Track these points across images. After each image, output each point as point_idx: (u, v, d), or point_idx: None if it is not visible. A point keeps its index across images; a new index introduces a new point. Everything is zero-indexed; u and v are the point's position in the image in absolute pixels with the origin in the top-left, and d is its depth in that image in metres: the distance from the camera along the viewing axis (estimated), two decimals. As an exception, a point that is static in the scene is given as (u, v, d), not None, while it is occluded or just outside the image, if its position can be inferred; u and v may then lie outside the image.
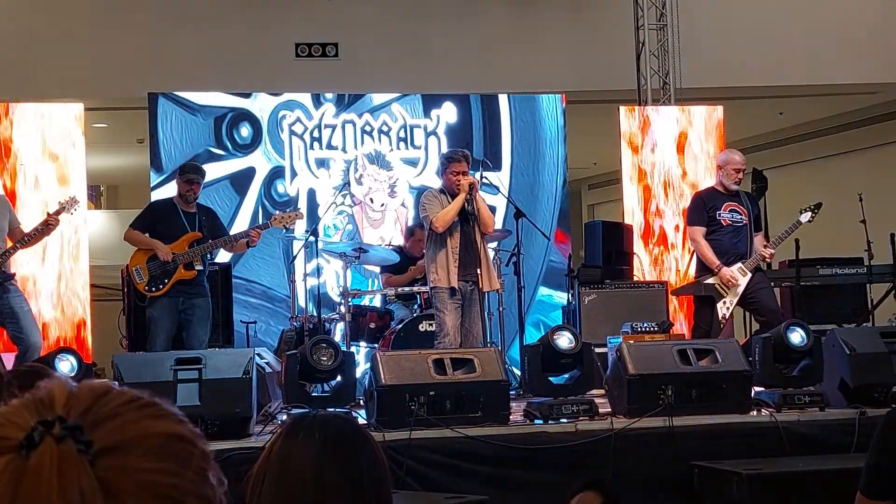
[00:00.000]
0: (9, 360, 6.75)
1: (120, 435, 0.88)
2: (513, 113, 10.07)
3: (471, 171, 7.21)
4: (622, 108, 9.78)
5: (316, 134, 9.69)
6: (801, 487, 4.92)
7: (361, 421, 5.51)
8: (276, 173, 9.59)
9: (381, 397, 5.43)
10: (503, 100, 10.09)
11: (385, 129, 9.81)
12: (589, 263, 8.79)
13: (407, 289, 8.22)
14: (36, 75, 9.80)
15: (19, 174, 8.64)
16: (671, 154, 9.70)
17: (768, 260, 7.71)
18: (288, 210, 8.45)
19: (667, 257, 9.55)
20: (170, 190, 8.10)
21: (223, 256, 8.68)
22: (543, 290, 9.89)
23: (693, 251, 7.93)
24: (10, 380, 2.87)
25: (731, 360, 5.83)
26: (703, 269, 7.55)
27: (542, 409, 5.63)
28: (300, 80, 10.12)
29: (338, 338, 7.67)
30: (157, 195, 8.86)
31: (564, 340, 5.83)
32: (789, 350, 5.93)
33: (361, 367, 7.51)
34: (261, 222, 8.46)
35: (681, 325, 9.00)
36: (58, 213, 6.99)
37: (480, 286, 6.86)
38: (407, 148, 9.84)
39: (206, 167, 8.96)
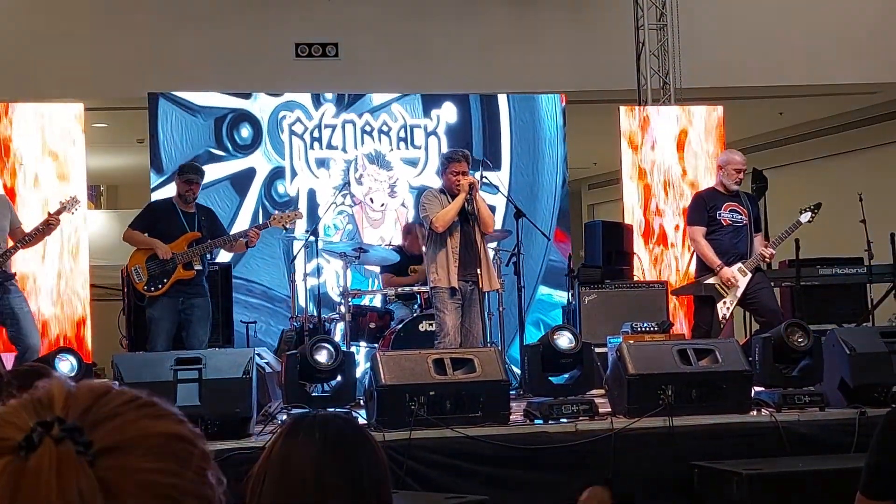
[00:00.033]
0: (9, 360, 6.75)
1: (119, 435, 0.87)
2: (512, 113, 10.08)
3: (471, 171, 7.21)
4: (622, 108, 9.78)
5: (316, 134, 9.70)
6: (801, 487, 4.92)
7: (361, 421, 5.51)
8: (277, 174, 9.59)
9: (381, 397, 5.43)
10: (502, 100, 10.10)
11: (385, 128, 9.81)
12: (589, 263, 8.80)
13: (407, 289, 8.22)
14: (36, 75, 9.80)
15: (19, 174, 8.64)
16: (671, 153, 9.70)
17: (768, 260, 7.71)
18: (287, 210, 8.45)
19: (667, 256, 9.55)
20: (170, 191, 8.10)
21: (223, 257, 8.68)
22: (543, 290, 9.89)
23: (693, 251, 7.93)
24: (9, 380, 2.88)
25: (731, 360, 5.83)
26: (704, 269, 7.55)
27: (542, 409, 5.63)
28: (300, 80, 10.13)
29: (338, 338, 7.67)
30: (157, 196, 8.86)
31: (564, 340, 5.83)
32: (789, 350, 5.93)
33: (361, 367, 7.50)
34: (261, 223, 8.46)
35: (680, 324, 9.00)
36: (58, 212, 6.99)
37: (480, 286, 6.86)
38: (407, 148, 9.85)
39: (206, 168, 8.97)
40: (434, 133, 9.89)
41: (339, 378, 5.80)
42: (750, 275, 7.40)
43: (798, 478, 4.98)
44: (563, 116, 10.14)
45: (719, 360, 5.81)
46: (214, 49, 10.18)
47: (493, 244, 8.06)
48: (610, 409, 5.78)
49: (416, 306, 8.19)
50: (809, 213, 7.64)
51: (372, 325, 8.12)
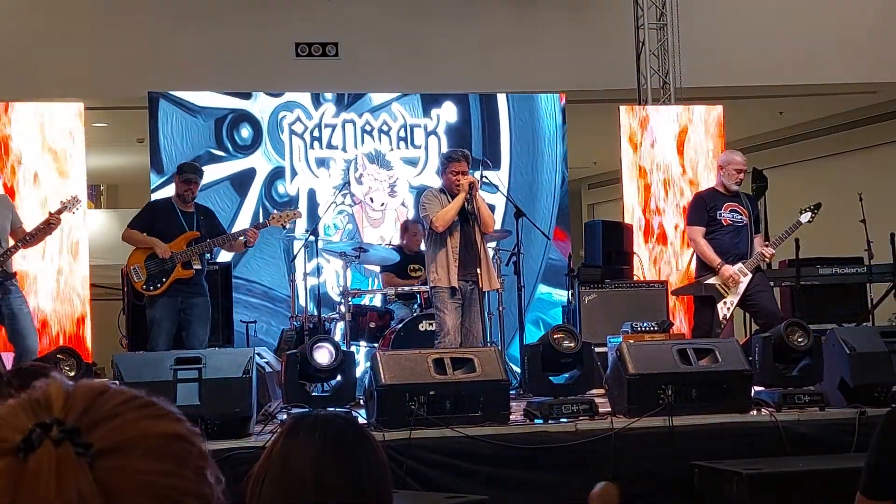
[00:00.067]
0: (8, 360, 6.75)
1: (118, 436, 0.87)
2: (511, 112, 10.09)
3: (470, 171, 7.21)
4: (622, 108, 9.78)
5: (316, 133, 9.70)
6: (801, 487, 4.92)
7: (361, 420, 5.51)
8: (277, 174, 9.60)
9: (380, 397, 5.43)
10: (502, 99, 10.10)
11: (385, 128, 9.82)
12: (589, 263, 8.80)
13: (407, 288, 8.23)
14: (36, 75, 9.80)
15: (19, 173, 8.64)
16: (671, 152, 9.71)
17: (768, 259, 7.71)
18: (286, 209, 8.45)
19: (666, 255, 9.55)
20: (171, 192, 8.11)
21: (223, 257, 8.68)
22: (543, 288, 9.90)
23: (693, 251, 7.93)
24: (9, 379, 2.88)
25: (731, 359, 5.83)
26: (704, 269, 7.54)
27: (542, 408, 5.63)
28: (300, 79, 10.13)
29: (338, 337, 7.68)
30: (157, 197, 8.86)
31: (564, 340, 5.83)
32: (789, 350, 5.92)
33: (361, 367, 7.50)
34: (260, 222, 8.46)
35: (680, 322, 9.00)
36: (59, 212, 6.99)
37: (480, 286, 6.86)
38: (407, 147, 9.85)
39: (206, 168, 8.98)
40: (434, 133, 9.89)
41: (339, 378, 5.80)
42: (750, 275, 7.40)
43: (798, 478, 4.98)
44: (562, 115, 10.15)
45: (719, 360, 5.81)
46: (214, 49, 10.19)
47: (493, 244, 8.07)
48: (610, 409, 5.78)
49: (416, 306, 8.19)
50: (809, 214, 7.64)
51: (372, 325, 8.12)
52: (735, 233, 7.50)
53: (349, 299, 7.75)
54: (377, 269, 8.97)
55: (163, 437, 0.89)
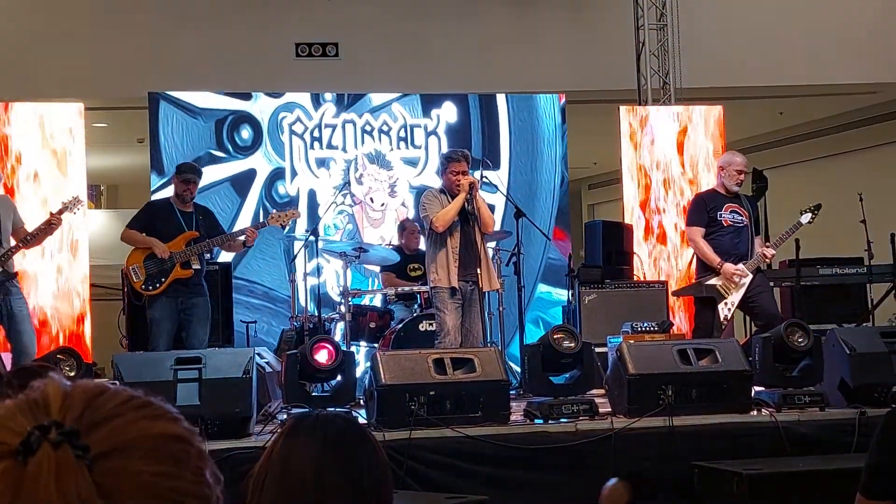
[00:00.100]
0: (7, 360, 6.75)
1: (117, 437, 0.87)
2: (511, 112, 10.09)
3: (470, 171, 7.21)
4: (622, 108, 9.79)
5: (316, 133, 9.71)
6: (801, 487, 4.91)
7: (361, 420, 5.51)
8: (277, 174, 9.61)
9: (381, 397, 5.43)
10: (501, 99, 10.11)
11: (385, 128, 9.82)
12: (589, 263, 8.80)
13: (407, 288, 8.23)
14: (36, 75, 9.80)
15: (18, 173, 8.64)
16: (671, 152, 9.71)
17: (769, 260, 7.71)
18: (285, 209, 8.45)
19: (666, 254, 9.55)
20: (170, 192, 8.11)
21: (224, 257, 8.69)
22: (542, 287, 9.91)
23: (693, 252, 7.92)
24: (9, 379, 2.87)
25: (731, 359, 5.83)
26: (705, 269, 7.54)
27: (543, 408, 5.63)
28: (300, 80, 10.13)
29: (338, 337, 7.68)
30: (158, 198, 8.86)
31: (564, 340, 5.83)
32: (789, 350, 5.92)
33: (361, 367, 7.51)
34: (258, 222, 8.46)
35: (680, 321, 9.01)
36: (60, 212, 6.99)
37: (480, 286, 6.86)
38: (407, 147, 9.86)
39: (207, 169, 9.00)
40: (434, 133, 9.90)
41: (339, 378, 5.80)
42: (751, 276, 7.40)
43: (798, 478, 4.98)
44: (561, 115, 10.16)
45: (719, 360, 5.81)
46: (214, 49, 10.19)
47: (493, 244, 8.07)
48: (610, 409, 5.78)
49: (416, 306, 8.19)
50: (810, 214, 7.64)
51: (372, 325, 8.12)
52: (735, 234, 7.50)
53: (349, 299, 7.75)
54: (377, 269, 8.97)
55: (161, 437, 0.89)
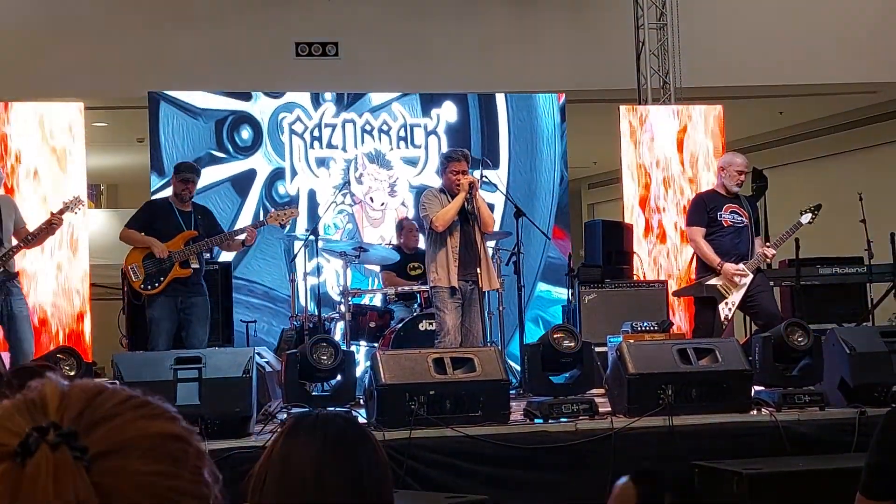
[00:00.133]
0: (7, 360, 6.75)
1: (115, 437, 0.87)
2: (510, 111, 10.10)
3: (470, 170, 7.21)
4: (622, 108, 9.79)
5: (316, 133, 9.71)
6: (801, 487, 4.91)
7: (361, 420, 5.50)
8: (277, 175, 9.62)
9: (380, 396, 5.43)
10: (500, 99, 10.12)
11: (385, 128, 9.82)
12: (589, 263, 8.81)
13: (407, 288, 8.23)
14: (36, 74, 9.80)
15: (18, 173, 8.64)
16: (671, 152, 9.71)
17: (769, 260, 7.72)
18: (284, 208, 8.46)
19: (666, 251, 9.55)
20: (170, 192, 8.11)
21: (224, 257, 8.69)
22: (542, 286, 9.91)
23: (694, 252, 7.93)
24: (9, 379, 2.87)
25: (731, 359, 5.83)
26: (705, 270, 7.54)
27: (542, 408, 5.63)
28: (300, 79, 10.13)
29: (338, 337, 7.68)
30: (157, 197, 8.86)
31: (564, 340, 5.83)
32: (789, 349, 5.92)
33: (361, 366, 7.51)
34: (257, 221, 8.46)
35: (680, 320, 9.01)
36: (61, 212, 6.99)
37: (480, 286, 6.86)
38: (407, 147, 9.86)
39: (207, 170, 9.01)
40: (434, 132, 9.90)
41: (339, 377, 5.80)
42: (751, 275, 7.41)
43: (798, 478, 4.98)
44: (560, 114, 10.16)
45: (719, 360, 5.81)
46: (214, 49, 10.19)
47: (492, 243, 8.07)
48: (610, 409, 5.78)
49: (416, 306, 8.19)
50: (810, 215, 7.65)
51: (372, 325, 8.12)
52: (735, 234, 7.50)
53: (349, 299, 7.75)
54: (377, 268, 8.97)
55: (159, 437, 0.89)
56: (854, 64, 10.95)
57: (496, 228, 8.19)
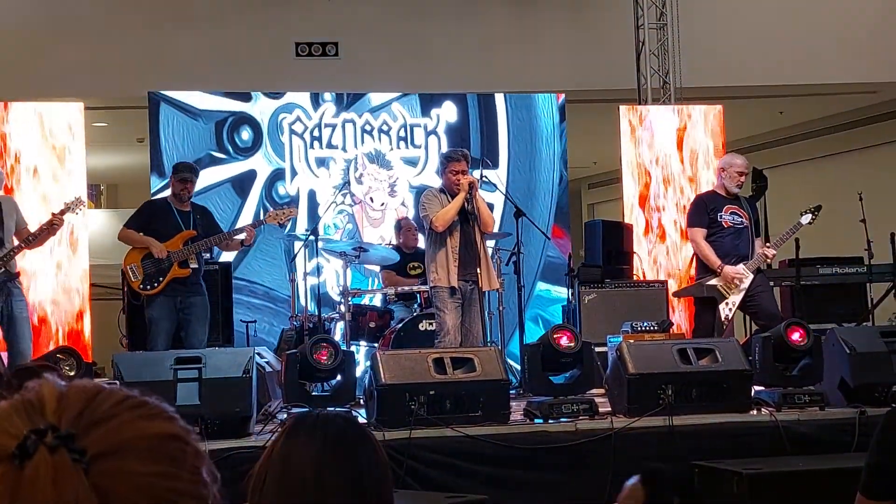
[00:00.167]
0: (6, 361, 6.74)
1: (113, 438, 0.87)
2: (509, 111, 10.10)
3: (470, 170, 7.21)
4: (622, 108, 9.79)
5: (316, 133, 9.72)
6: (801, 487, 4.91)
7: (361, 420, 5.50)
8: (277, 175, 9.62)
9: (380, 396, 5.43)
10: (499, 98, 10.12)
11: (385, 128, 9.82)
12: (589, 262, 8.80)
13: (407, 288, 8.23)
14: (36, 74, 9.80)
15: (18, 172, 8.63)
16: (671, 152, 9.71)
17: (769, 260, 7.73)
18: (283, 207, 8.46)
19: (665, 249, 9.55)
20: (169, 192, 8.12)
21: (224, 257, 8.69)
22: (541, 285, 9.91)
23: (694, 253, 7.93)
24: (9, 379, 2.87)
25: (731, 359, 5.82)
26: (705, 270, 7.54)
27: (542, 408, 5.62)
28: (300, 79, 10.13)
29: (338, 337, 7.68)
30: (155, 197, 8.86)
31: (564, 340, 5.83)
32: (789, 349, 5.92)
33: (361, 367, 7.51)
34: (255, 220, 8.46)
35: (680, 319, 9.01)
36: (62, 212, 6.99)
37: (480, 286, 6.86)
38: (407, 147, 9.86)
39: (207, 171, 9.01)
40: (434, 132, 9.90)
41: (339, 377, 5.80)
42: (752, 276, 7.41)
43: (798, 478, 4.98)
44: (559, 113, 10.16)
45: (719, 360, 5.81)
46: (214, 49, 10.19)
47: (492, 242, 8.07)
48: (610, 409, 5.78)
49: (416, 306, 8.19)
50: (810, 215, 7.66)
51: (372, 325, 8.12)
52: (736, 235, 7.51)
53: (349, 299, 7.75)
54: (377, 268, 8.97)
55: (157, 437, 0.89)
56: (854, 64, 10.95)
57: (496, 229, 8.19)
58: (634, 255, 9.18)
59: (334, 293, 8.93)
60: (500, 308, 8.12)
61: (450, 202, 6.88)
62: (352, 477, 1.77)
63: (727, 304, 7.41)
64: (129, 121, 11.15)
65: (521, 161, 10.08)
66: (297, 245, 8.64)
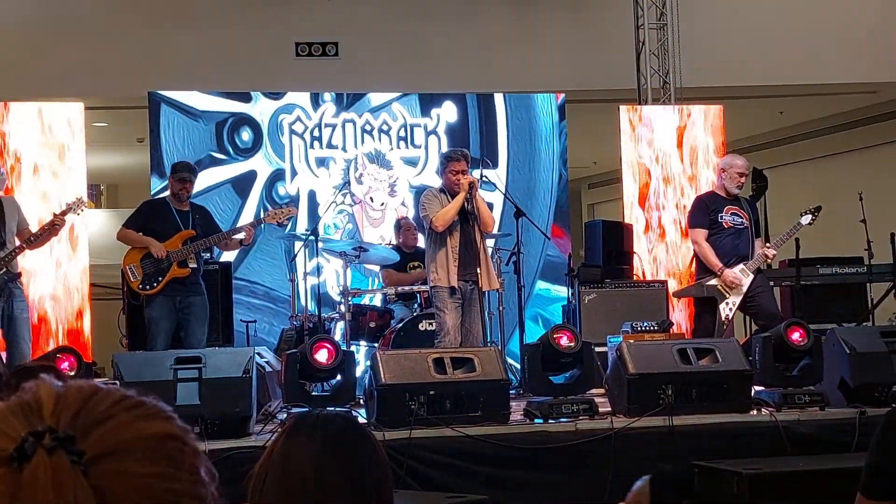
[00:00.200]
0: (5, 361, 6.74)
1: (112, 439, 0.87)
2: (508, 111, 10.10)
3: (470, 170, 7.21)
4: (622, 108, 9.78)
5: (316, 133, 9.72)
6: (801, 487, 4.91)
7: (361, 420, 5.50)
8: (277, 176, 9.63)
9: (380, 396, 5.43)
10: (499, 98, 10.12)
11: (385, 128, 9.82)
12: (589, 262, 8.80)
13: (407, 288, 8.23)
14: (36, 74, 9.80)
15: (17, 170, 8.63)
16: (671, 152, 9.71)
17: (769, 261, 7.73)
18: (282, 206, 8.46)
19: (666, 252, 9.55)
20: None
21: (224, 257, 8.69)
22: (541, 284, 9.91)
23: (695, 253, 7.93)
24: (8, 379, 2.87)
25: (731, 359, 5.83)
26: (705, 270, 7.55)
27: (542, 408, 5.63)
28: (300, 79, 10.13)
29: (338, 337, 7.68)
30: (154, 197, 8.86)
31: (564, 340, 5.83)
32: (789, 349, 5.92)
33: (361, 366, 7.51)
34: (254, 220, 8.46)
35: (679, 317, 9.00)
36: (64, 213, 7.00)
37: (480, 286, 6.86)
38: (407, 147, 9.86)
39: (208, 171, 9.01)
40: (434, 132, 9.90)
41: (338, 377, 5.80)
42: (752, 276, 7.42)
43: (798, 478, 4.98)
44: (559, 113, 10.16)
45: (719, 360, 5.81)
46: (214, 49, 10.19)
47: (492, 242, 8.07)
48: (610, 409, 5.78)
49: (416, 305, 8.19)
50: (810, 216, 7.67)
51: (372, 325, 8.12)
52: (736, 235, 7.52)
53: (349, 299, 7.75)
54: (377, 268, 8.97)
55: (155, 438, 0.89)
56: (854, 64, 10.95)
57: (496, 228, 8.19)
58: (634, 255, 9.18)
59: (334, 293, 8.92)
60: (500, 308, 8.12)
61: (450, 202, 6.88)
62: (352, 477, 1.77)
63: (727, 304, 7.42)
64: (129, 121, 11.15)
65: (521, 161, 10.08)
66: (297, 245, 8.64)
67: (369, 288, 9.18)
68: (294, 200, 9.51)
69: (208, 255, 7.77)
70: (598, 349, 6.39)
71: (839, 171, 12.86)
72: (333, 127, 9.74)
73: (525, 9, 10.67)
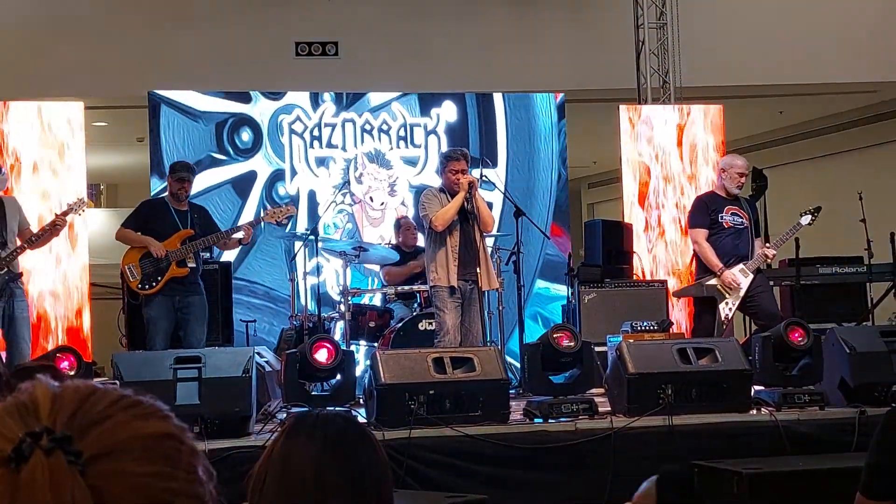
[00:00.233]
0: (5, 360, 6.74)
1: (109, 439, 0.87)
2: (507, 110, 10.10)
3: (470, 170, 7.21)
4: (622, 107, 9.78)
5: (316, 133, 9.72)
6: (801, 487, 4.91)
7: (361, 420, 5.50)
8: (277, 176, 9.63)
9: (380, 396, 5.43)
10: (498, 98, 10.12)
11: (385, 127, 9.82)
12: (589, 262, 8.80)
13: (407, 287, 8.23)
14: (36, 74, 9.80)
15: (17, 169, 8.63)
16: (671, 151, 9.71)
17: (769, 261, 7.74)
18: (281, 205, 8.46)
19: (665, 252, 9.55)
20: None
21: (224, 256, 8.69)
22: (540, 283, 9.92)
23: (695, 253, 7.93)
24: (8, 379, 2.87)
25: (730, 359, 5.82)
26: (705, 270, 7.55)
27: (542, 407, 5.63)
28: (300, 79, 10.13)
29: (338, 336, 7.68)
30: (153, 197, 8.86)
31: (564, 339, 5.83)
32: (789, 349, 5.92)
33: (361, 366, 7.51)
34: (253, 219, 8.46)
35: (679, 317, 9.00)
36: (65, 213, 7.00)
37: (480, 285, 6.86)
38: (407, 147, 9.86)
39: (208, 172, 9.00)
40: (434, 132, 9.90)
41: (338, 377, 5.80)
42: (752, 276, 7.42)
43: (798, 477, 4.98)
44: (557, 112, 10.16)
45: (719, 360, 5.81)
46: (214, 49, 10.19)
47: (492, 241, 8.07)
48: (610, 408, 5.78)
49: (415, 305, 8.19)
50: (810, 216, 7.67)
51: (372, 324, 8.12)
52: (736, 235, 7.52)
53: (349, 298, 7.75)
54: (377, 268, 8.97)
55: (152, 437, 0.89)
56: (854, 64, 10.95)
57: (495, 228, 8.19)
58: (634, 255, 9.18)
59: (334, 293, 8.93)
60: (500, 307, 8.12)
61: (449, 201, 6.88)
62: (352, 477, 1.76)
63: (727, 304, 7.42)
64: (129, 121, 11.15)
65: (520, 160, 10.08)
66: (297, 245, 8.64)
67: (369, 287, 9.18)
68: (294, 200, 9.51)
69: (208, 254, 7.77)
70: (597, 349, 6.39)
71: (839, 170, 12.86)
72: (333, 127, 9.74)
73: (525, 9, 10.67)
